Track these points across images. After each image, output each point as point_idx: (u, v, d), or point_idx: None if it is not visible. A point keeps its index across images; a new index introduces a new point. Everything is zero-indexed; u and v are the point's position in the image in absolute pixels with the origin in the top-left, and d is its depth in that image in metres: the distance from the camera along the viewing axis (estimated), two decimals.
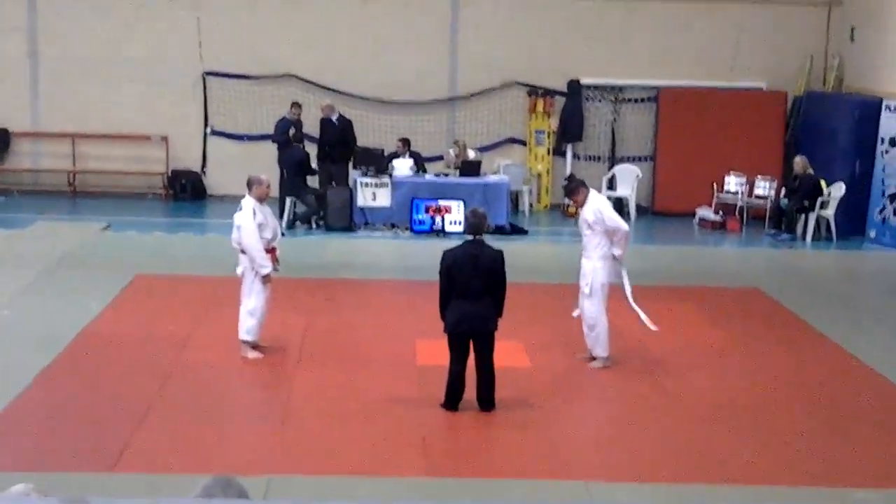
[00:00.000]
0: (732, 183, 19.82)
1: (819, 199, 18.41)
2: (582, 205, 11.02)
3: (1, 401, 9.46)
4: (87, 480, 8.06)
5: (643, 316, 11.15)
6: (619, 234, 10.87)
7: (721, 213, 19.52)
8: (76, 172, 20.70)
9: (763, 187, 19.61)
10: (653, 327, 11.19)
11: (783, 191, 19.05)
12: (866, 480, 8.56)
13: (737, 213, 19.53)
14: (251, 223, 10.73)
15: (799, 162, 18.71)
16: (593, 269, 10.87)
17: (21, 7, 20.42)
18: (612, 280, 11.00)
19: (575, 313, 11.17)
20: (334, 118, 18.95)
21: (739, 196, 19.60)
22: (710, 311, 13.45)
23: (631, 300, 11.11)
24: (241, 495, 4.27)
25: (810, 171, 18.58)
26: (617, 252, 10.93)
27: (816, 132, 19.77)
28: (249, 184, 10.94)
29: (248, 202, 10.83)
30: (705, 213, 19.61)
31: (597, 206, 10.89)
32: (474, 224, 9.74)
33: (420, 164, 19.05)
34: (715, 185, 19.78)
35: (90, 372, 10.50)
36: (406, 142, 19.07)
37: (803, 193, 18.43)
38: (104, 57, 20.47)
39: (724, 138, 20.21)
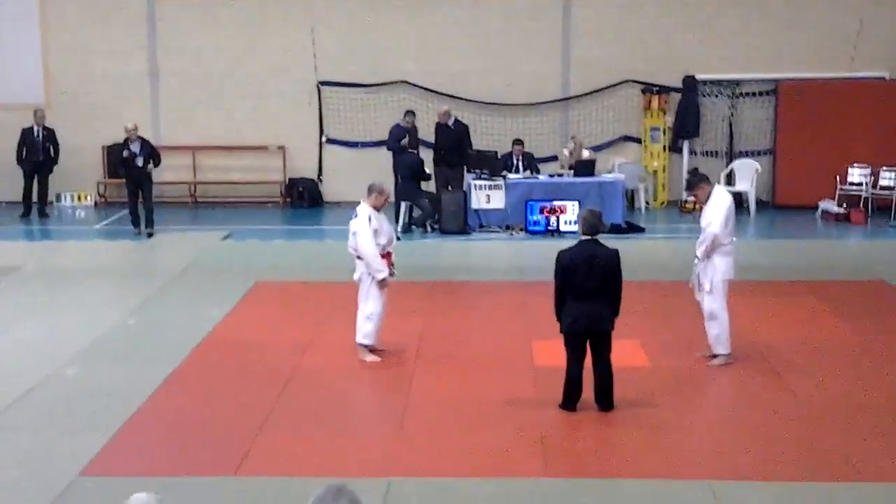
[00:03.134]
0: (856, 174, 19.32)
1: None
2: (704, 200, 10.80)
3: (127, 408, 9.68)
4: (208, 485, 8.18)
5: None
6: (705, 232, 10.59)
7: (845, 205, 19.04)
8: (197, 184, 21.16)
9: (888, 178, 19.08)
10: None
11: None
12: None
13: (861, 205, 19.01)
14: (367, 229, 10.79)
15: None
16: (713, 265, 10.66)
17: (141, 29, 20.96)
18: (732, 276, 10.78)
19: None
20: (450, 123, 19.02)
21: (864, 187, 19.09)
22: (836, 306, 13.09)
23: (696, 295, 10.84)
24: (353, 502, 4.27)
25: None
26: (697, 244, 10.67)
27: None
28: (370, 191, 10.97)
29: (364, 209, 10.89)
30: (828, 205, 19.15)
31: (712, 201, 10.66)
32: (590, 223, 9.63)
33: (533, 165, 18.99)
34: (838, 177, 19.30)
35: (212, 379, 10.68)
36: (520, 142, 19.03)
37: None
38: (221, 72, 20.92)
39: (846, 129, 19.72)
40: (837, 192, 19.26)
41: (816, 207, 19.29)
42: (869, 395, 10.04)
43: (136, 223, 17.83)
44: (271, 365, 10.96)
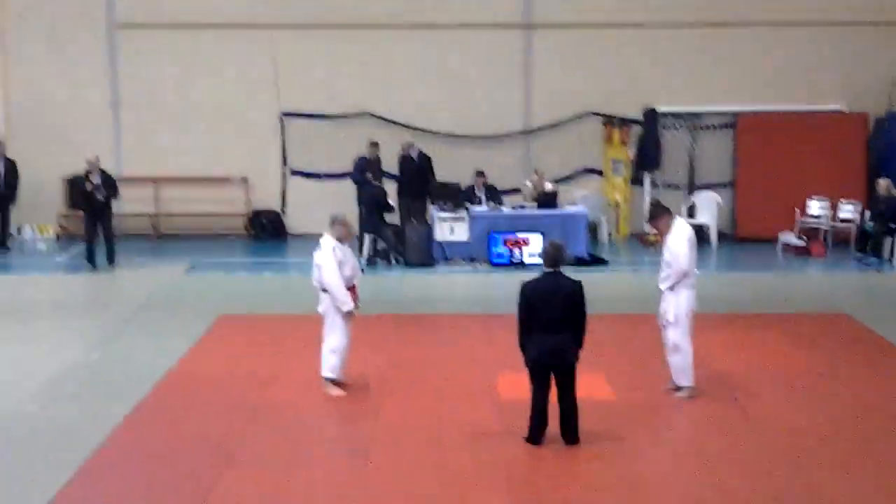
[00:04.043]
0: (815, 207, 19.53)
1: None
2: (666, 232, 10.87)
3: (88, 445, 9.57)
4: None
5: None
6: (673, 266, 10.67)
7: (805, 237, 19.23)
8: (159, 215, 21.05)
9: (847, 210, 19.30)
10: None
11: (868, 214, 18.72)
12: None
13: (821, 238, 19.20)
14: (332, 262, 10.78)
15: (883, 184, 18.39)
16: (677, 297, 10.72)
17: (103, 58, 20.90)
18: (695, 308, 10.84)
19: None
20: (414, 154, 19.07)
21: (823, 220, 19.28)
22: (798, 338, 13.20)
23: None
24: None
25: (894, 192, 18.23)
26: (661, 280, 10.75)
27: None
28: (332, 222, 10.98)
29: (328, 241, 10.89)
30: (788, 238, 19.34)
31: (674, 234, 10.74)
32: (553, 256, 9.66)
33: (496, 197, 19.05)
34: (797, 209, 19.50)
35: (176, 413, 10.59)
36: (482, 174, 19.08)
37: (889, 216, 18.09)
38: (183, 102, 20.90)
39: (805, 162, 19.96)
40: (797, 225, 19.45)
41: (777, 240, 19.47)
42: (832, 427, 10.10)
43: (90, 259, 17.61)
44: (236, 399, 10.89)
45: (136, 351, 12.77)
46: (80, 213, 18.70)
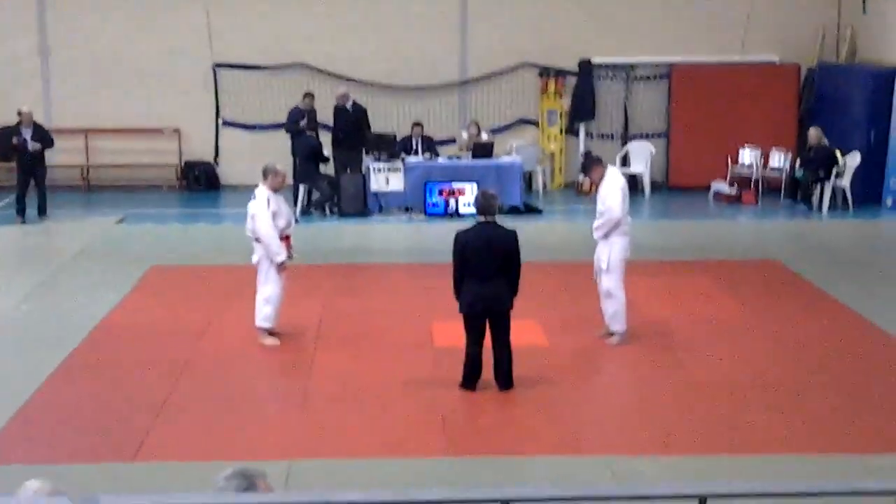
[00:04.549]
0: (747, 156, 19.73)
1: (834, 170, 18.32)
2: (598, 182, 10.96)
3: (20, 396, 9.49)
4: (105, 472, 8.07)
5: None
6: (606, 215, 10.76)
7: (736, 186, 19.45)
8: (90, 167, 20.76)
9: (778, 159, 19.52)
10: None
11: (798, 162, 18.97)
12: (889, 446, 8.50)
13: (752, 186, 19.43)
14: (265, 212, 10.73)
15: (813, 133, 18.61)
16: (610, 244, 10.82)
17: (31, 6, 20.46)
18: (628, 255, 10.96)
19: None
20: (348, 105, 18.95)
21: (754, 169, 19.50)
22: (729, 284, 13.39)
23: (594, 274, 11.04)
24: (253, 482, 4.26)
25: (825, 142, 18.48)
26: (595, 229, 10.84)
27: (830, 104, 19.66)
28: (265, 173, 10.92)
29: (262, 191, 10.83)
30: (720, 186, 19.54)
31: (606, 183, 10.83)
32: (485, 205, 9.69)
33: (432, 148, 19.01)
34: (729, 158, 19.70)
35: (107, 364, 10.51)
36: (419, 125, 19.02)
37: (818, 164, 18.34)
38: (114, 52, 20.51)
39: (738, 112, 20.13)
40: (729, 174, 19.66)
41: (709, 188, 19.67)
42: (758, 371, 10.29)
43: (20, 212, 17.32)
44: (168, 350, 10.84)
45: (66, 302, 12.63)
46: (10, 164, 18.36)
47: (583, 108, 20.73)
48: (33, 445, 8.61)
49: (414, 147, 18.82)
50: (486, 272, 9.51)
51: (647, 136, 20.86)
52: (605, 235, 10.83)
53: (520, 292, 9.73)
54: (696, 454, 8.40)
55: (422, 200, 17.85)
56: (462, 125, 20.18)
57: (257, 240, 10.87)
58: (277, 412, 9.51)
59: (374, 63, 20.64)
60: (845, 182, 18.42)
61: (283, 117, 19.15)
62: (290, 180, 16.36)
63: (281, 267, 10.89)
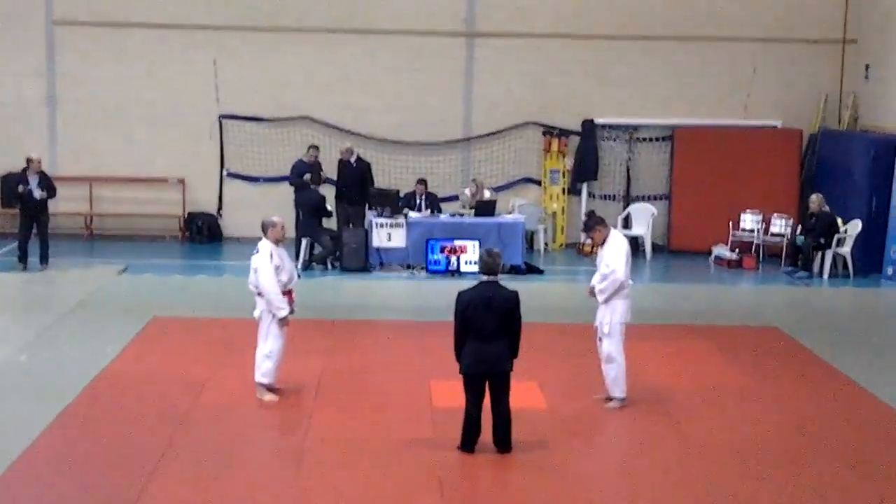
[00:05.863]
0: (748, 221, 19.79)
1: (835, 237, 18.37)
2: (601, 242, 10.99)
3: (18, 446, 9.45)
4: None
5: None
6: (609, 278, 10.78)
7: (737, 251, 19.50)
8: (93, 216, 20.82)
9: (779, 225, 19.59)
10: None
11: (800, 228, 19.02)
12: None
13: (753, 251, 19.48)
14: (269, 266, 10.74)
15: (815, 199, 18.68)
16: (612, 308, 10.83)
17: (40, 53, 20.64)
18: (629, 319, 10.96)
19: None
20: (353, 160, 19.06)
21: (755, 234, 19.57)
22: (728, 350, 13.38)
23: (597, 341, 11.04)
24: None
25: (826, 208, 18.55)
26: (599, 292, 10.85)
27: (832, 170, 19.77)
28: (264, 227, 10.96)
29: (266, 245, 10.86)
30: (721, 251, 19.59)
31: (609, 245, 10.85)
32: (489, 264, 9.72)
33: (436, 205, 19.09)
34: (731, 223, 19.77)
35: (106, 416, 10.48)
36: (424, 182, 19.10)
37: (820, 231, 18.39)
38: (121, 101, 20.67)
39: (740, 176, 20.22)
40: (730, 238, 19.72)
41: (710, 252, 19.72)
42: (757, 437, 10.26)
43: (22, 259, 17.34)
44: (167, 403, 10.80)
45: (66, 352, 12.61)
46: (14, 211, 18.43)
47: (585, 168, 20.84)
48: (29, 497, 8.56)
49: (418, 203, 18.89)
50: (487, 332, 9.51)
51: (649, 198, 20.96)
52: (608, 299, 10.84)
53: (520, 353, 9.72)
54: None
55: (423, 257, 17.89)
56: (465, 182, 20.27)
57: (260, 294, 10.88)
58: (273, 470, 9.46)
59: (380, 118, 20.80)
60: (846, 249, 18.47)
61: (287, 170, 19.27)
62: (291, 233, 16.51)
63: (283, 322, 10.88)
